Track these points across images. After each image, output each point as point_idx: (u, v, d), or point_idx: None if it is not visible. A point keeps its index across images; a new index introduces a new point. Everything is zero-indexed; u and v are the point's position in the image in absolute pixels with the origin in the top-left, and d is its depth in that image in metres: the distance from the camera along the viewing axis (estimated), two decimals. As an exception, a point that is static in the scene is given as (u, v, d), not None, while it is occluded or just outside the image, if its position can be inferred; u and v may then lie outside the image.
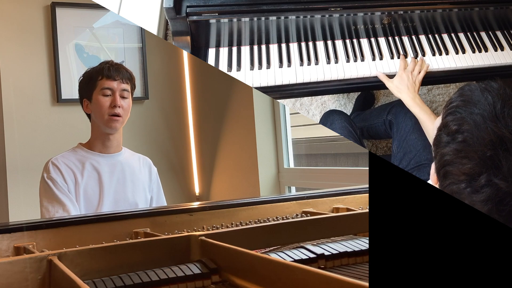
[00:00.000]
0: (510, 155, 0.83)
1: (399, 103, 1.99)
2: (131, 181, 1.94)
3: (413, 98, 1.65)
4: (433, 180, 1.00)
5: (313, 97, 2.34)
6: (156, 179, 2.05)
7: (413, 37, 1.78)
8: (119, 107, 1.86)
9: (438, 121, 1.00)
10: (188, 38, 1.58)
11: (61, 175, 1.83)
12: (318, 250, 0.97)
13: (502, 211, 0.84)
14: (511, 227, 0.81)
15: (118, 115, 1.86)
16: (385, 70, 1.70)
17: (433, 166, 0.99)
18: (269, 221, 1.26)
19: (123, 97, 1.89)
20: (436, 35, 1.80)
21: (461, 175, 0.87)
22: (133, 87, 1.96)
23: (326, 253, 0.96)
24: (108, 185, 1.88)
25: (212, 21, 1.59)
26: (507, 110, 0.87)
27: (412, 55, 1.74)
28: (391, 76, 1.71)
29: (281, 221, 1.22)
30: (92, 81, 1.90)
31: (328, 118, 1.92)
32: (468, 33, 1.82)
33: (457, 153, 0.88)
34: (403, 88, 1.66)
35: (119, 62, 1.98)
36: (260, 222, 1.26)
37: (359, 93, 2.37)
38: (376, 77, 1.70)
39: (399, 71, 1.69)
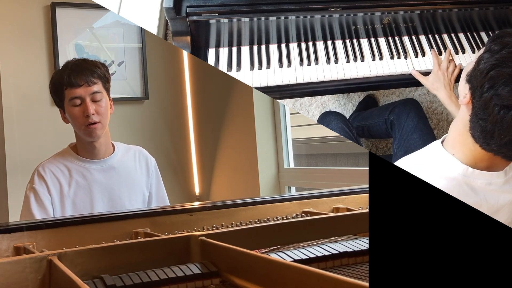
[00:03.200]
0: None
1: (401, 103, 1.99)
2: (127, 185, 1.84)
3: (449, 96, 1.65)
4: (465, 100, 1.14)
5: (313, 97, 2.33)
6: (154, 172, 1.94)
7: (413, 37, 1.78)
8: (93, 114, 1.71)
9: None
10: (188, 38, 1.58)
11: (46, 186, 1.74)
12: (318, 251, 0.97)
13: None
14: None
15: (94, 123, 1.72)
16: (385, 70, 1.70)
17: (461, 89, 1.17)
18: (269, 221, 1.26)
19: (95, 101, 1.73)
20: (436, 35, 1.80)
21: (505, 75, 1.05)
22: (105, 82, 1.77)
23: (326, 253, 0.96)
24: (100, 195, 1.79)
25: (212, 21, 1.59)
26: None
27: (414, 55, 1.74)
28: (391, 76, 1.71)
29: (281, 221, 1.22)
30: (58, 92, 1.75)
31: (325, 119, 1.93)
32: (468, 33, 1.82)
33: (503, 59, 1.06)
34: (440, 86, 1.66)
35: (83, 58, 1.80)
36: (260, 222, 1.26)
37: (360, 96, 2.37)
38: (376, 77, 1.70)
39: (434, 68, 1.69)
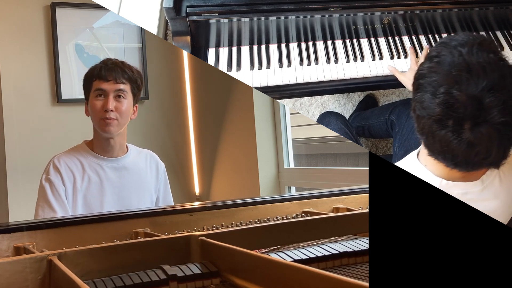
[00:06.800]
0: (471, 77, 1.01)
1: (401, 103, 1.99)
2: (136, 186, 1.86)
3: None
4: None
5: (313, 97, 2.33)
6: (163, 177, 1.96)
7: (413, 37, 1.78)
8: (111, 110, 1.74)
9: None
10: (188, 38, 1.58)
11: (60, 178, 1.76)
12: (318, 251, 0.97)
13: (450, 116, 1.01)
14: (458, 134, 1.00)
15: (109, 119, 1.74)
16: (384, 71, 1.70)
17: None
18: (269, 221, 1.26)
19: (118, 99, 1.76)
20: (436, 35, 1.80)
21: (428, 86, 1.04)
22: (135, 87, 1.82)
23: (326, 253, 0.96)
24: (110, 192, 1.81)
25: (212, 21, 1.59)
26: (479, 50, 1.05)
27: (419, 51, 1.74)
28: (391, 76, 1.70)
29: (281, 221, 1.22)
30: (88, 83, 1.80)
31: (324, 120, 1.93)
32: (468, 33, 1.82)
33: (430, 69, 1.06)
34: None
35: (121, 61, 1.84)
36: (260, 222, 1.26)
37: (360, 96, 2.37)
38: (376, 77, 1.70)
39: (411, 64, 1.68)
